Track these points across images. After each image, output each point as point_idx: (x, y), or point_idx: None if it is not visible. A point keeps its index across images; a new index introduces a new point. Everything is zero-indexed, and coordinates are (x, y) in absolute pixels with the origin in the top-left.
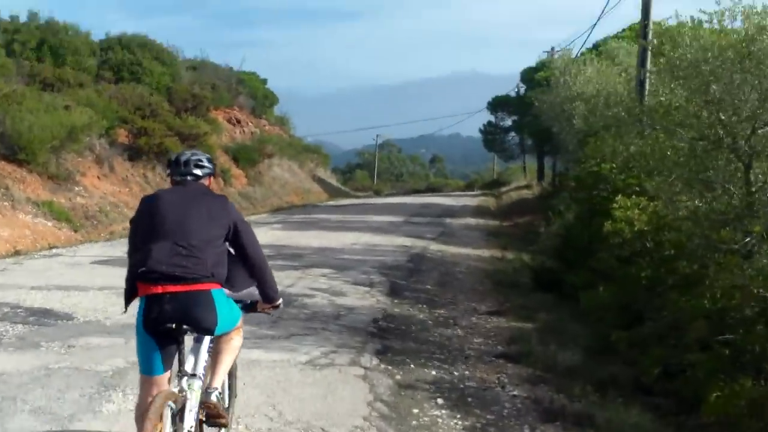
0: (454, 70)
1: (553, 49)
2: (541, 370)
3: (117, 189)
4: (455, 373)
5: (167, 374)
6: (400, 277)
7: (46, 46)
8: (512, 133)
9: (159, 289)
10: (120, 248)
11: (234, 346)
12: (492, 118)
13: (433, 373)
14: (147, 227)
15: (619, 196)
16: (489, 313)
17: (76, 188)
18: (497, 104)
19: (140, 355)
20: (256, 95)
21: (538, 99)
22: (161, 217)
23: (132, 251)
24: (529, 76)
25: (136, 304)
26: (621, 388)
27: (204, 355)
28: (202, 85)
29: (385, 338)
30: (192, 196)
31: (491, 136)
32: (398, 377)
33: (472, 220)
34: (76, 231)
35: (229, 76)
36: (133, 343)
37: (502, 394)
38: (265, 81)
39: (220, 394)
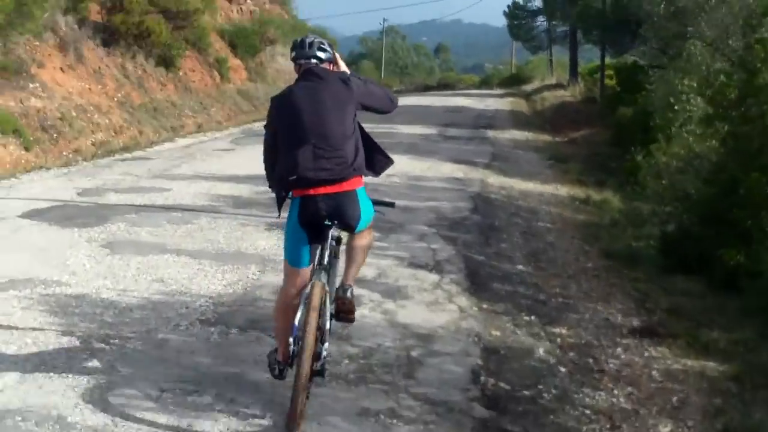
0: None
1: None
2: None
3: (86, 86)
4: None
5: (310, 267)
6: (473, 246)
7: None
8: (541, 18)
9: (311, 192)
10: (80, 179)
11: (366, 244)
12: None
13: None
14: (285, 131)
15: None
16: (635, 332)
17: (31, 85)
18: None
19: (289, 248)
20: None
21: None
22: (297, 118)
23: (270, 155)
24: None
25: None
26: None
27: (329, 249)
28: None
29: None
30: (321, 90)
31: (517, 20)
32: None
33: (517, 134)
34: (27, 149)
35: None
36: None
37: None
38: None
39: (353, 290)
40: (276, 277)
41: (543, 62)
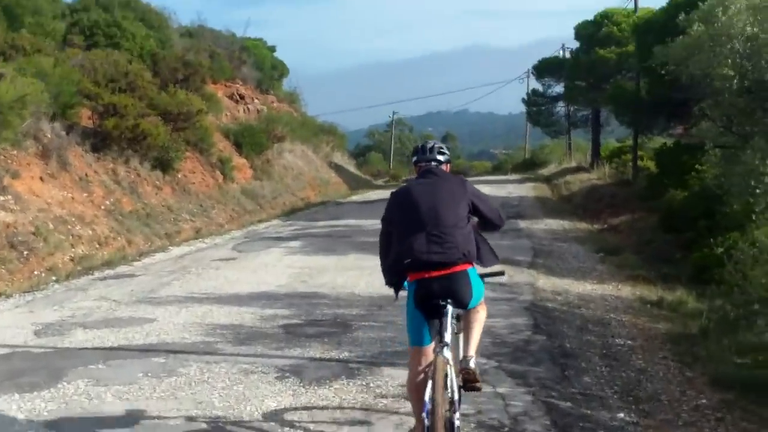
0: (459, 44)
1: None
2: None
3: (68, 195)
4: None
5: (432, 345)
6: (551, 386)
7: None
8: (560, 104)
9: (425, 275)
10: (44, 309)
11: (481, 318)
12: (536, 87)
13: None
14: (403, 220)
15: None
16: None
17: (2, 198)
18: (544, 69)
19: (411, 330)
20: (262, 66)
21: None
22: (413, 209)
23: (386, 245)
24: (586, 31)
25: None
26: None
27: (450, 327)
28: (198, 52)
29: None
30: (437, 183)
31: (536, 107)
32: None
33: (552, 223)
34: None
35: (231, 43)
36: None
37: None
38: (273, 49)
39: (474, 361)
40: None
41: (559, 146)
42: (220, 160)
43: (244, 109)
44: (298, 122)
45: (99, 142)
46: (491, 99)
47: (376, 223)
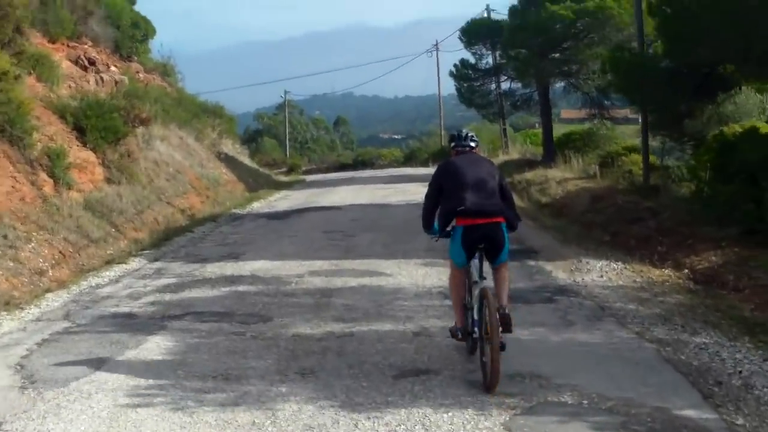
0: (340, 24)
1: None
2: None
3: None
4: None
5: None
6: None
7: None
8: (494, 80)
9: (471, 221)
10: None
11: (508, 275)
12: (463, 57)
13: None
14: (454, 181)
15: None
16: None
17: None
18: (475, 33)
19: (456, 256)
20: (119, 22)
21: None
22: (462, 175)
23: (430, 205)
24: None
25: None
26: None
27: (480, 264)
28: None
29: None
30: (476, 161)
31: (467, 82)
32: None
33: (604, 268)
34: None
35: None
36: None
37: None
38: (132, 1)
39: (508, 309)
40: None
41: (483, 132)
42: (47, 155)
43: (96, 80)
44: (174, 100)
45: None
46: (376, 82)
47: (307, 269)
